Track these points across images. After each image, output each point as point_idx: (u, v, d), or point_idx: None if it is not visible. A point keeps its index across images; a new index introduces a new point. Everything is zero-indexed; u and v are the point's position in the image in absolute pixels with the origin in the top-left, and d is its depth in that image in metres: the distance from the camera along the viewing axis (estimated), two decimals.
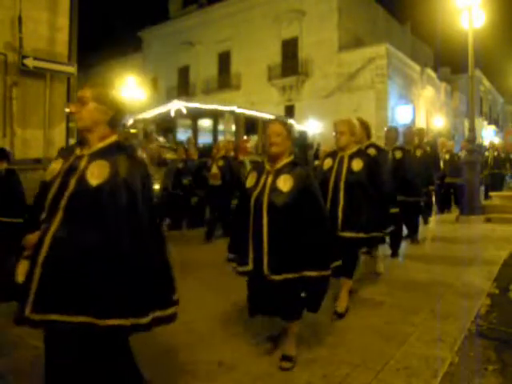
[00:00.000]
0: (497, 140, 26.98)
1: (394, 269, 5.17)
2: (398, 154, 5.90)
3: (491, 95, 41.07)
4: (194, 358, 2.85)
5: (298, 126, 16.77)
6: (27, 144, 7.08)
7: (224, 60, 28.08)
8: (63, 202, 1.88)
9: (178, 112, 14.82)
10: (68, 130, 8.00)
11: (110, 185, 1.87)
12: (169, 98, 24.13)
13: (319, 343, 3.07)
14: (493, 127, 37.03)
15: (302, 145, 15.27)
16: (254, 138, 14.85)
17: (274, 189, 2.71)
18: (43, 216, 1.95)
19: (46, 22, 7.61)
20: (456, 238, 7.04)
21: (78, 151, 2.01)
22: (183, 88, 29.54)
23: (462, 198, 9.93)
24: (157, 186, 8.47)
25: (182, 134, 15.79)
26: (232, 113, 14.47)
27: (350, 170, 3.61)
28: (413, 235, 6.51)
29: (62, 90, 7.87)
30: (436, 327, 3.30)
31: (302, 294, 2.82)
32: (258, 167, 2.95)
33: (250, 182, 2.89)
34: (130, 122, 15.23)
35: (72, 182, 1.90)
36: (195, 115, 15.30)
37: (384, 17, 28.32)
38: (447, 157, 10.19)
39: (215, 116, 15.41)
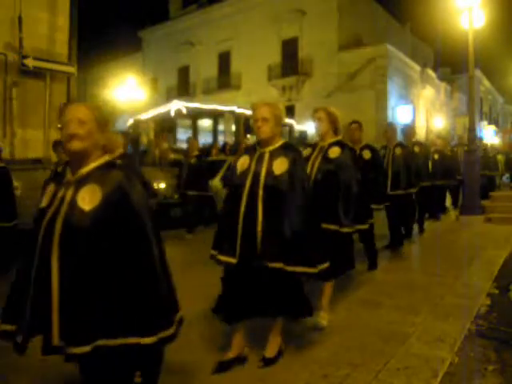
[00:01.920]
0: (496, 140, 27.01)
1: (394, 269, 5.17)
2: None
3: (491, 95, 41.08)
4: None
5: (298, 126, 16.79)
6: (27, 144, 7.07)
7: (224, 60, 28.09)
8: None
9: (178, 112, 14.82)
10: None
11: None
12: (169, 98, 24.15)
13: (319, 343, 3.07)
14: (493, 127, 37.01)
15: (302, 145, 15.27)
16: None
17: (73, 207, 1.73)
18: None
19: (46, 22, 7.61)
20: (456, 238, 7.03)
21: None
22: (183, 88, 29.56)
23: (458, 199, 9.91)
24: (162, 185, 8.40)
25: (182, 134, 15.81)
26: (232, 113, 14.48)
27: (270, 173, 2.65)
28: (408, 237, 6.51)
29: (62, 90, 7.87)
30: (436, 327, 3.30)
31: (138, 380, 1.86)
32: (61, 176, 1.89)
33: (46, 198, 1.85)
34: (130, 121, 15.24)
35: None
36: (195, 115, 15.31)
37: (384, 17, 28.30)
38: (436, 157, 8.82)
39: (215, 116, 15.43)
